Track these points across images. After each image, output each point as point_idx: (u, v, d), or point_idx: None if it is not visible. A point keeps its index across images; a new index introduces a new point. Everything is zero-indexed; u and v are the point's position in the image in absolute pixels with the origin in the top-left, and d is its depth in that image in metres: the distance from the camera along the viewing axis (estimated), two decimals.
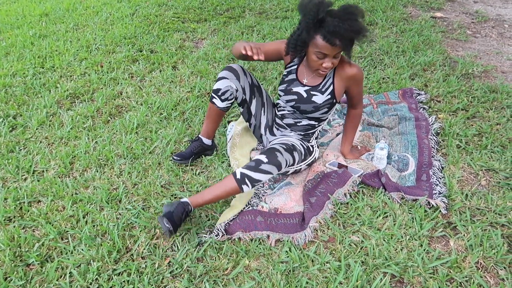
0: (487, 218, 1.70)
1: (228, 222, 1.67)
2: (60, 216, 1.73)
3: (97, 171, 2.01)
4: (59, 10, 4.39)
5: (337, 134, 2.26)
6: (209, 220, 1.73)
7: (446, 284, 1.45)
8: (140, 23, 3.91)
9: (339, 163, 1.98)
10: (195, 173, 1.98)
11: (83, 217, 1.74)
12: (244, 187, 1.62)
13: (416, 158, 2.02)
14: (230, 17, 4.07)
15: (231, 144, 2.09)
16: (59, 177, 1.97)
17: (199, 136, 2.04)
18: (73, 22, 4.01)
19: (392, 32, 3.55)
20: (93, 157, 2.08)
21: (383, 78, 2.81)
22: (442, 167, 1.99)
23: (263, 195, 1.84)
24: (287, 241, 1.61)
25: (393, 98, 2.53)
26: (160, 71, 3.01)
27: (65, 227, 1.68)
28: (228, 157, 2.07)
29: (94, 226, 1.70)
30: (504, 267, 1.51)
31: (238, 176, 1.61)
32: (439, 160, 2.02)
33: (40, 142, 2.25)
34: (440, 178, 1.89)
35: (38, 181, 1.95)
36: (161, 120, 2.40)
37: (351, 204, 1.79)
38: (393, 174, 1.91)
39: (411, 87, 2.63)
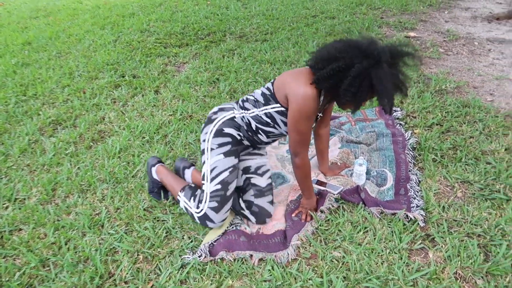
0: (463, 229, 1.75)
1: (212, 243, 1.69)
2: (42, 243, 1.72)
3: (79, 197, 2.00)
4: (42, 38, 4.43)
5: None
6: (192, 241, 1.73)
7: None
8: (122, 49, 3.97)
9: (318, 180, 2.03)
10: None
11: (65, 244, 1.73)
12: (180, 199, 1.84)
13: (394, 173, 2.08)
14: (211, 41, 4.16)
15: None
16: (41, 204, 1.96)
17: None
18: (56, 50, 4.04)
19: None
20: (75, 183, 2.09)
21: None
22: (419, 181, 2.04)
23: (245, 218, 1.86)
24: (270, 259, 1.63)
25: (371, 115, 2.60)
26: (143, 95, 3.05)
27: (47, 255, 1.67)
28: None
29: (76, 252, 1.69)
30: (482, 277, 1.55)
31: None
32: (416, 174, 2.08)
33: (22, 169, 2.24)
34: (418, 192, 1.95)
35: (20, 209, 1.94)
36: (143, 144, 2.42)
37: (332, 220, 1.82)
38: (372, 189, 1.96)
39: None
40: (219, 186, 1.72)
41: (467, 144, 2.31)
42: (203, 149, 1.78)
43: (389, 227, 1.77)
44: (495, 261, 1.59)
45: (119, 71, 3.47)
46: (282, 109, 1.68)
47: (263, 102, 1.72)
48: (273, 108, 1.69)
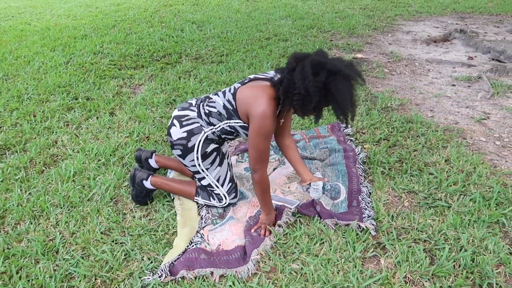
0: (411, 236, 1.87)
1: (172, 262, 1.69)
2: None
3: (31, 223, 1.93)
4: None
5: (274, 169, 2.38)
6: (151, 262, 1.73)
7: None
8: (75, 71, 3.90)
9: (275, 195, 2.09)
10: (136, 217, 1.98)
11: (17, 273, 1.66)
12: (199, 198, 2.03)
13: (346, 186, 2.19)
14: (167, 62, 4.19)
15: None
16: None
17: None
18: (2, 72, 3.89)
19: None
20: (26, 209, 2.01)
21: None
22: (370, 193, 2.17)
23: (205, 234, 1.88)
24: (231, 275, 1.65)
25: (323, 132, 2.73)
26: (97, 117, 3.01)
27: None
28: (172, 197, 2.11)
29: (29, 281, 1.63)
30: (428, 279, 1.66)
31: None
32: (366, 186, 2.20)
33: None
34: (369, 203, 2.06)
35: None
36: (99, 167, 2.39)
37: (289, 234, 1.88)
38: (326, 202, 2.05)
39: (338, 121, 2.86)
40: (230, 184, 2.02)
41: (412, 157, 2.48)
42: (197, 171, 1.96)
43: (344, 237, 1.86)
44: (439, 264, 1.71)
45: (72, 94, 3.41)
46: (245, 125, 1.81)
47: (226, 116, 1.83)
48: (237, 123, 1.82)
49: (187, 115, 1.91)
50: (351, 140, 2.64)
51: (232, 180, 2.03)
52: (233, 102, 1.79)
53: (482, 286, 1.61)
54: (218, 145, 1.96)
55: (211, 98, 1.89)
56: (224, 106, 1.82)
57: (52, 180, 2.26)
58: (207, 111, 1.88)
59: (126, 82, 3.71)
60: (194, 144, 1.89)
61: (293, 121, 2.92)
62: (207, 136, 1.90)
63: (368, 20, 5.96)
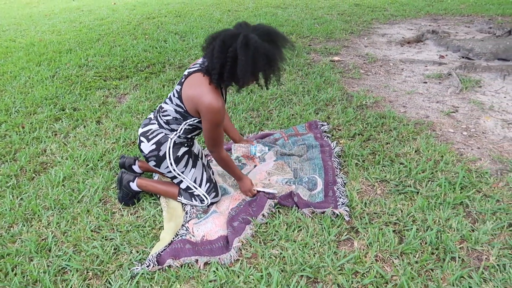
0: (382, 220, 2.01)
1: (159, 253, 1.80)
2: None
3: (24, 225, 2.03)
4: None
5: (255, 166, 2.52)
6: (140, 254, 1.84)
7: (352, 276, 1.70)
8: (61, 84, 4.00)
9: (257, 190, 2.22)
10: (124, 215, 2.09)
11: (12, 270, 1.75)
12: (181, 198, 2.15)
13: (322, 178, 2.33)
14: (151, 72, 4.31)
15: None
16: None
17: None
18: None
19: (298, 76, 4.03)
20: (19, 212, 2.11)
21: (292, 115, 3.18)
22: (345, 183, 2.31)
23: (190, 227, 2.00)
24: (214, 262, 1.77)
25: (301, 130, 2.88)
26: (84, 126, 3.11)
27: None
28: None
29: (24, 276, 1.73)
30: (397, 256, 1.80)
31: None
32: (341, 177, 2.34)
33: None
34: (343, 192, 2.20)
35: None
36: (87, 171, 2.49)
37: (269, 223, 2.01)
38: (304, 193, 2.18)
39: (315, 119, 3.01)
40: (208, 184, 2.13)
41: (384, 149, 2.64)
42: (174, 176, 2.08)
43: (320, 224, 2.00)
44: (407, 242, 1.85)
45: (59, 105, 3.51)
46: (200, 119, 1.94)
47: (181, 118, 1.95)
48: (193, 120, 1.95)
49: (150, 129, 2.04)
50: (327, 137, 2.79)
51: (209, 180, 2.14)
52: (182, 105, 1.90)
53: (445, 260, 1.76)
54: (188, 148, 2.09)
55: (163, 108, 2.00)
56: (176, 111, 1.94)
57: (42, 186, 2.36)
58: (165, 121, 2.00)
59: (112, 92, 3.82)
60: (165, 152, 2.01)
61: (273, 121, 3.06)
62: (174, 141, 2.02)
63: (345, 25, 6.17)
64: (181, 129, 1.99)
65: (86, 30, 6.37)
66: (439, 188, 2.23)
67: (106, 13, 7.95)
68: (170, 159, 2.02)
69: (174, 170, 2.05)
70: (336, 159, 2.50)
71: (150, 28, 6.37)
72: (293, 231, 1.95)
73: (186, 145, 2.08)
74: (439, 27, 5.88)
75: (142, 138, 2.04)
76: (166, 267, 1.75)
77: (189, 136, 2.04)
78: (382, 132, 2.86)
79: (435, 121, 3.03)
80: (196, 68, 1.88)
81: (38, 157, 2.69)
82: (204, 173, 2.13)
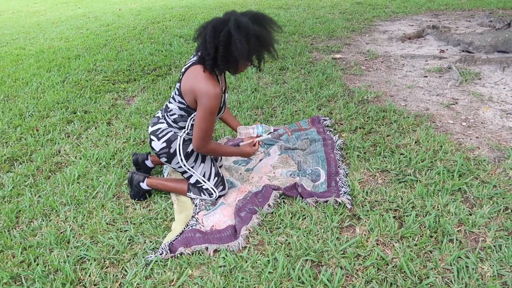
0: (383, 207, 2.10)
1: (171, 242, 1.91)
2: (11, 262, 1.85)
3: (43, 220, 2.15)
4: None
5: (260, 160, 2.62)
6: (153, 244, 1.94)
7: (354, 259, 1.79)
8: (71, 89, 4.13)
9: (265, 184, 2.32)
10: (137, 209, 2.21)
11: (34, 261, 1.87)
12: (191, 194, 2.25)
13: (325, 169, 2.42)
14: (158, 75, 4.44)
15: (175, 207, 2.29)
16: (7, 231, 2.09)
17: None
18: (3, 94, 4.13)
19: (301, 74, 4.12)
20: (38, 208, 2.23)
21: (296, 111, 3.28)
22: (347, 174, 2.40)
23: (200, 218, 2.11)
24: (224, 249, 1.88)
25: (304, 125, 2.97)
26: (96, 128, 3.24)
27: (17, 271, 1.81)
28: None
29: (45, 266, 1.84)
30: (397, 240, 1.89)
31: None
32: (343, 168, 2.44)
33: None
34: (345, 182, 2.30)
35: None
36: (100, 169, 2.61)
37: (274, 213, 2.11)
38: (308, 184, 2.28)
39: (318, 115, 3.11)
40: (216, 178, 2.23)
41: (385, 141, 2.73)
42: (184, 171, 2.19)
43: (323, 212, 2.09)
44: (407, 227, 1.94)
45: (70, 109, 3.64)
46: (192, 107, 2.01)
47: (186, 114, 2.05)
48: (191, 111, 2.03)
49: (160, 128, 2.14)
50: (330, 131, 2.88)
51: (217, 174, 2.25)
52: (183, 100, 1.98)
53: (443, 242, 1.84)
54: None
55: (168, 107, 2.09)
56: (180, 108, 2.03)
57: (58, 184, 2.48)
58: (172, 120, 2.10)
59: (120, 95, 3.95)
60: (175, 149, 2.12)
61: (276, 118, 3.16)
62: (184, 139, 2.13)
63: (346, 23, 6.26)
64: (188, 125, 2.09)
65: (93, 36, 6.52)
66: (438, 176, 2.31)
67: (112, 19, 8.12)
68: (180, 156, 2.13)
69: (184, 165, 2.16)
70: (338, 152, 2.59)
71: (155, 32, 6.50)
72: (297, 219, 2.05)
73: None
74: (440, 22, 5.94)
75: (152, 137, 2.15)
76: (178, 255, 1.85)
77: None
78: (383, 125, 2.95)
79: (435, 113, 3.11)
80: (191, 62, 1.96)
81: (53, 157, 2.81)
82: (213, 167, 2.24)
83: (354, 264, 1.77)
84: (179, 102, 2.02)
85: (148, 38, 6.13)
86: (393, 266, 1.74)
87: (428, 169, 2.38)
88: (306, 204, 2.15)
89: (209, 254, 1.86)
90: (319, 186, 2.30)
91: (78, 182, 2.48)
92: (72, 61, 5.15)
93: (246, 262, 1.80)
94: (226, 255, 1.84)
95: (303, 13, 7.22)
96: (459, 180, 2.26)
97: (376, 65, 4.35)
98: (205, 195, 2.24)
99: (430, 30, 5.32)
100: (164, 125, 2.14)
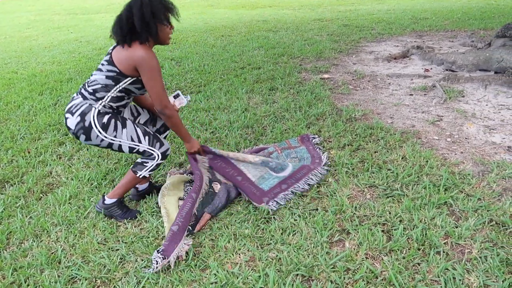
0: (371, 221, 2.14)
1: (162, 249, 1.92)
2: (2, 284, 1.85)
3: (34, 241, 2.15)
4: None
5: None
6: (144, 262, 1.95)
7: (344, 273, 1.81)
8: (63, 111, 4.17)
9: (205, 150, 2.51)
10: (129, 228, 2.22)
11: (25, 281, 1.87)
12: (138, 172, 2.23)
13: (295, 168, 2.51)
14: None
15: (161, 195, 2.38)
16: None
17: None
18: None
19: (290, 94, 4.21)
20: (29, 229, 2.23)
21: (285, 130, 3.34)
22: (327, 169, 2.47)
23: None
24: (215, 266, 1.89)
25: (294, 144, 3.03)
26: (87, 149, 3.26)
27: None
28: (159, 205, 2.35)
29: (36, 287, 1.84)
30: (386, 254, 1.92)
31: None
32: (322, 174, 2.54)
33: None
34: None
35: None
36: (92, 190, 2.63)
37: (265, 229, 2.13)
38: (254, 174, 2.48)
39: (307, 133, 3.17)
40: (147, 137, 2.19)
41: (372, 157, 2.79)
42: (108, 143, 2.13)
43: (313, 227, 2.12)
44: (395, 240, 1.98)
45: (62, 131, 3.66)
46: (135, 79, 2.05)
47: (113, 83, 2.04)
48: (126, 82, 2.05)
49: (74, 104, 2.09)
50: (319, 148, 2.94)
51: (146, 133, 2.18)
52: (115, 68, 2.01)
53: (430, 254, 1.88)
54: (112, 114, 2.12)
55: (90, 79, 2.10)
56: (107, 77, 2.03)
57: (50, 204, 2.48)
58: (91, 91, 2.07)
59: None
60: (90, 122, 2.05)
61: (267, 137, 3.22)
62: (99, 111, 2.07)
63: (334, 44, 6.43)
64: (108, 97, 2.06)
65: (85, 60, 6.60)
66: (424, 190, 2.36)
67: (104, 43, 8.23)
68: (97, 128, 2.06)
69: (105, 137, 2.09)
70: (324, 168, 2.64)
71: None
72: (288, 235, 2.08)
73: (111, 114, 2.12)
74: (424, 43, 6.14)
75: (67, 115, 2.09)
76: (171, 269, 1.86)
77: (115, 105, 2.11)
78: (370, 142, 3.02)
79: (421, 130, 3.19)
80: (114, 45, 2.08)
81: (45, 178, 2.82)
82: (137, 128, 2.16)
83: (344, 278, 1.79)
84: (108, 70, 2.02)
85: None
86: (382, 279, 1.77)
87: (415, 184, 2.44)
88: (295, 220, 2.18)
89: (199, 270, 1.87)
90: (271, 179, 2.40)
91: (69, 203, 2.49)
92: (64, 84, 5.20)
93: (237, 278, 1.82)
94: (217, 271, 1.86)
95: (292, 35, 7.41)
96: (445, 194, 2.32)
97: (363, 84, 4.47)
98: (147, 162, 2.20)
99: (414, 50, 5.48)
100: (78, 100, 2.09)
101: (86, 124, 2.05)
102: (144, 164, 2.22)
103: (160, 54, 6.54)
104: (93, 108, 2.07)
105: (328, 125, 3.36)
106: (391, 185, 2.45)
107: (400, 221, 2.13)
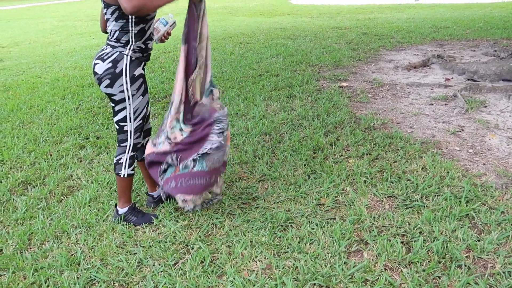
0: (390, 232, 2.11)
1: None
2: (23, 284, 1.88)
3: (55, 243, 2.19)
4: (4, 111, 4.63)
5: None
6: (161, 267, 1.96)
7: (362, 284, 1.79)
8: (84, 115, 4.25)
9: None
10: (146, 232, 2.24)
11: (45, 282, 1.90)
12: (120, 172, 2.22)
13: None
14: (168, 102, 4.54)
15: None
16: (19, 252, 2.13)
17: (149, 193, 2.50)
18: (18, 120, 4.25)
19: (308, 101, 4.21)
20: (49, 231, 2.27)
21: (303, 137, 3.33)
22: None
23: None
24: (231, 273, 1.89)
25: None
26: (107, 153, 3.31)
27: None
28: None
29: (56, 287, 1.86)
30: (405, 266, 1.89)
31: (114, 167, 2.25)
32: None
33: None
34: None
35: None
36: (111, 193, 2.66)
37: (282, 237, 2.12)
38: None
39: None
40: (140, 122, 2.19)
41: (392, 167, 2.75)
42: (122, 98, 2.08)
43: (331, 237, 2.10)
44: (414, 252, 1.94)
45: (83, 134, 3.74)
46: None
47: (123, 20, 1.98)
48: (119, 11, 1.96)
49: (104, 52, 2.05)
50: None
51: (144, 118, 2.19)
52: (112, 6, 1.94)
53: (451, 268, 1.84)
54: (143, 71, 2.12)
55: (108, 32, 2.07)
56: (115, 18, 1.97)
57: (70, 207, 2.53)
58: (115, 39, 2.03)
59: None
60: (122, 69, 2.02)
61: (284, 144, 3.21)
62: (131, 57, 2.05)
63: (353, 52, 6.40)
64: (132, 37, 2.02)
65: None
66: (445, 201, 2.32)
67: None
68: (126, 77, 2.05)
69: (127, 89, 2.06)
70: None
71: (166, 61, 6.70)
72: (305, 243, 2.06)
73: (142, 63, 2.11)
74: (445, 52, 6.05)
75: (96, 61, 2.06)
76: (188, 275, 1.87)
77: (142, 44, 2.07)
78: (389, 151, 2.98)
79: (441, 140, 3.14)
80: None
81: (66, 181, 2.88)
82: (145, 109, 2.18)
83: None
84: (111, 13, 1.97)
85: (159, 67, 6.32)
86: None
87: (435, 195, 2.40)
88: (312, 229, 2.16)
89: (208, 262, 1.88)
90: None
91: (89, 206, 2.53)
92: (85, 89, 5.31)
93: (254, 285, 1.81)
94: (234, 278, 1.85)
95: (310, 43, 7.41)
96: (466, 206, 2.27)
97: (382, 93, 4.43)
98: (121, 155, 2.21)
99: (435, 60, 5.42)
100: (109, 49, 2.06)
101: (117, 70, 2.03)
102: (119, 162, 2.21)
103: (178, 61, 6.63)
104: (125, 56, 2.04)
105: (347, 133, 3.33)
106: (410, 195, 2.42)
107: (420, 232, 2.09)
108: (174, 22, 2.30)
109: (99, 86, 2.09)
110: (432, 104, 3.98)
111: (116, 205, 2.33)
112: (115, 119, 2.17)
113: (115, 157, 2.24)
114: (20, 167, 3.18)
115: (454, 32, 7.79)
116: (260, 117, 3.83)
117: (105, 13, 2.03)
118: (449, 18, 9.98)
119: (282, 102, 4.23)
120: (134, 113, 2.14)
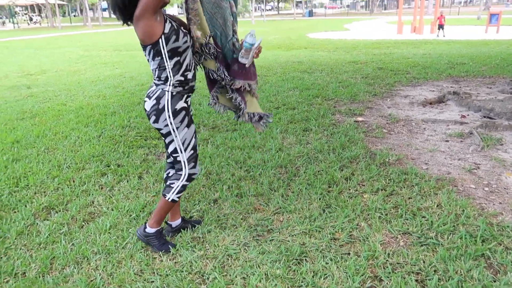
0: (405, 269, 2.12)
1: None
2: None
3: (75, 268, 2.26)
4: (30, 137, 4.84)
5: None
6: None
7: None
8: (106, 143, 4.41)
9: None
10: (163, 261, 2.29)
11: None
12: (167, 195, 2.31)
13: None
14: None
15: None
16: (41, 276, 2.20)
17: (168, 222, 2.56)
18: (43, 146, 4.43)
19: (324, 135, 4.28)
20: (71, 256, 2.35)
21: (318, 171, 3.39)
22: None
23: None
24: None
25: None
26: (127, 181, 3.42)
27: None
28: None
29: None
30: None
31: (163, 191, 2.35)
32: None
33: (20, 249, 2.49)
34: None
35: (21, 281, 2.16)
36: (131, 221, 2.74)
37: (296, 271, 2.15)
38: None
39: None
40: (192, 152, 2.30)
41: (406, 203, 2.77)
42: (168, 132, 2.22)
43: (345, 272, 2.12)
44: None
45: (105, 162, 3.87)
46: (163, 36, 2.06)
47: (159, 57, 2.10)
48: (163, 46, 2.08)
49: (151, 90, 2.23)
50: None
51: (194, 148, 2.30)
52: (147, 47, 2.07)
53: None
54: (185, 104, 2.23)
55: (152, 72, 2.21)
56: (152, 57, 2.11)
57: (91, 233, 2.61)
58: (157, 78, 2.18)
59: (152, 150, 4.18)
60: (164, 104, 2.17)
61: (300, 177, 3.27)
62: (172, 93, 2.17)
63: (368, 87, 6.51)
64: (169, 72, 2.14)
65: (128, 95, 6.99)
66: (460, 240, 2.32)
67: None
68: (168, 112, 2.17)
69: (171, 123, 2.19)
70: None
71: None
72: (319, 278, 2.08)
73: (184, 97, 2.22)
74: (461, 89, 6.11)
75: (146, 99, 2.24)
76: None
77: (181, 77, 2.17)
78: (404, 187, 3.01)
79: (457, 178, 3.15)
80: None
81: (87, 207, 2.98)
82: (193, 139, 2.29)
83: None
84: (148, 53, 2.10)
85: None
86: None
87: (451, 233, 2.40)
88: (327, 264, 2.18)
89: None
90: None
91: (109, 232, 2.61)
92: (108, 117, 5.51)
93: None
94: None
95: (327, 77, 7.56)
96: (482, 245, 2.27)
97: (398, 128, 4.48)
98: (175, 181, 2.31)
99: (451, 96, 5.47)
100: (153, 88, 2.22)
101: (160, 106, 2.17)
102: (171, 185, 2.31)
103: (197, 92, 6.84)
104: (166, 92, 2.17)
105: (362, 168, 3.37)
106: (425, 233, 2.42)
107: (435, 271, 2.09)
108: (259, 41, 2.30)
109: (149, 121, 2.26)
110: (447, 141, 4.00)
111: (146, 222, 2.41)
112: (168, 151, 2.33)
113: (169, 179, 2.36)
114: (44, 192, 3.30)
115: (470, 68, 7.86)
116: (277, 149, 3.91)
117: (145, 55, 2.19)
118: (466, 54, 10.08)
119: (298, 135, 4.32)
120: (183, 143, 2.26)
